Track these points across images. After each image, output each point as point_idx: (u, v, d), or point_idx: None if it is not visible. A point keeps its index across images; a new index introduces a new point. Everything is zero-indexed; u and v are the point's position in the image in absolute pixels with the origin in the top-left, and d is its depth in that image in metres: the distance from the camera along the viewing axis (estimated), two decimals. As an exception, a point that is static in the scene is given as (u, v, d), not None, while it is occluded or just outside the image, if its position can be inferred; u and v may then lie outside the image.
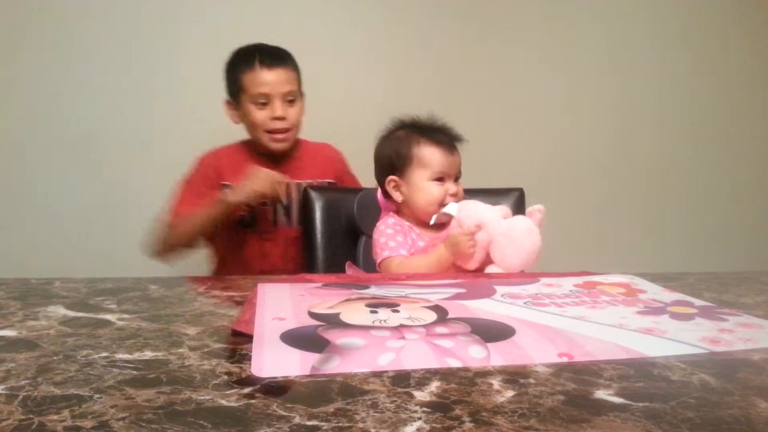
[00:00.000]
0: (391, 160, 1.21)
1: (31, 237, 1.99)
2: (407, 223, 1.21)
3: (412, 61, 2.21)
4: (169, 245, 1.42)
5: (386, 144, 1.24)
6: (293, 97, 1.42)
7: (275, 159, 1.48)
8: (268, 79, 1.39)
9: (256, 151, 1.48)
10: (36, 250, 1.97)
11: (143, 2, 2.02)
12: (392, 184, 1.21)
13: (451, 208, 1.11)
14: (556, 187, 2.29)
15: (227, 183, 1.44)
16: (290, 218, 1.48)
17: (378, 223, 1.23)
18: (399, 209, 1.24)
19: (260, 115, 1.39)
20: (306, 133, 2.16)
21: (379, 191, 1.36)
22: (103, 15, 2.00)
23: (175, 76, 2.06)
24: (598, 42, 2.31)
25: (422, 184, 1.18)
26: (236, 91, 1.42)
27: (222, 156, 1.50)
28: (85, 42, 1.99)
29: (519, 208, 1.52)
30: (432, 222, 1.15)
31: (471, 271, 1.08)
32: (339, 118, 2.13)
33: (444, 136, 1.20)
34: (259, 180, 1.32)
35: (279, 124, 1.41)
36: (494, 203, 1.48)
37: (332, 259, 1.41)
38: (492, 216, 1.08)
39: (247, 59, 1.40)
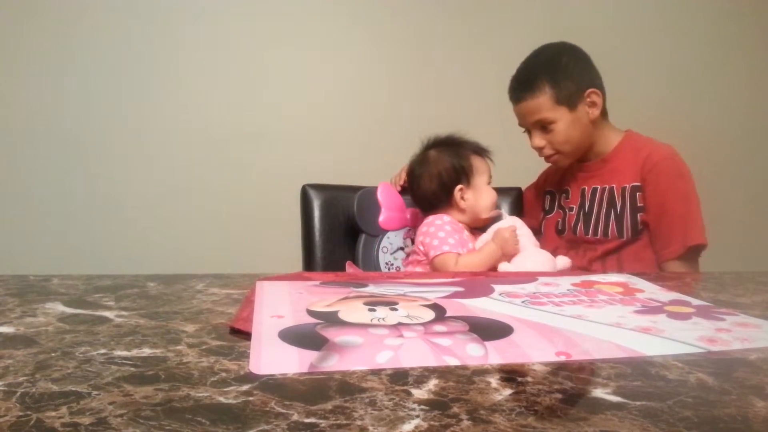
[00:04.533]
0: (455, 172, 1.33)
1: (30, 234, 1.99)
2: (461, 224, 1.32)
3: (412, 61, 2.21)
4: None
5: (439, 160, 1.34)
6: (547, 123, 1.34)
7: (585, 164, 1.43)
8: (518, 113, 1.39)
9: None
10: (34, 247, 1.97)
11: (144, 3, 2.02)
12: (460, 193, 1.32)
13: (509, 219, 1.30)
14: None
15: (551, 190, 1.49)
16: (588, 227, 1.38)
17: (431, 219, 1.32)
18: (447, 212, 1.34)
19: (530, 143, 1.40)
20: (307, 132, 2.16)
21: (380, 189, 1.37)
22: (103, 16, 2.00)
23: (174, 77, 2.06)
24: (597, 41, 2.31)
25: (484, 187, 1.34)
26: None
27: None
28: (84, 42, 1.99)
29: (518, 207, 1.53)
30: (488, 214, 1.34)
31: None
32: (339, 117, 2.14)
33: (480, 149, 1.38)
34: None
35: (541, 153, 1.39)
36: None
37: (331, 257, 1.41)
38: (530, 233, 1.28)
39: (509, 93, 1.41)
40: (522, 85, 1.36)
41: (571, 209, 1.41)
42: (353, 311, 0.68)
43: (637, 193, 1.33)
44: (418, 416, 0.41)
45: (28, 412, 0.40)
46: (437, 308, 0.70)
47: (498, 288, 0.82)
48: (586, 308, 0.72)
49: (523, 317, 0.67)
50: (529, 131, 1.38)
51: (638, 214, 1.32)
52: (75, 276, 0.89)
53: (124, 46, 2.02)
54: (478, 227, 1.34)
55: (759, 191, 2.47)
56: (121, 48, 2.01)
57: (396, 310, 0.68)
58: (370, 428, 0.39)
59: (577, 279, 0.90)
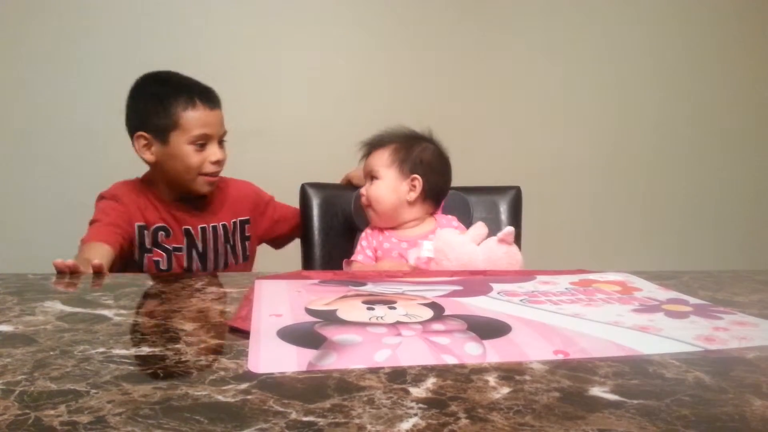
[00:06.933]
0: None
1: (29, 233, 1.99)
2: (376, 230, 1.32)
3: (411, 60, 2.21)
4: None
5: None
6: (224, 139, 1.32)
7: (191, 201, 1.33)
8: (211, 120, 1.26)
9: (170, 192, 1.32)
10: (34, 246, 1.97)
11: (144, 3, 2.02)
12: None
13: (428, 246, 1.11)
14: (553, 185, 2.29)
15: (141, 223, 1.30)
16: (206, 264, 1.35)
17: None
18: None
19: (198, 157, 1.25)
20: (306, 131, 2.16)
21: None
22: (104, 15, 1.99)
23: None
24: (597, 41, 2.31)
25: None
26: (166, 128, 1.25)
27: (128, 192, 1.34)
28: (84, 42, 1.99)
29: (516, 206, 1.53)
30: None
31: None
32: (338, 116, 2.13)
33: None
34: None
35: (216, 168, 1.29)
36: (492, 201, 1.48)
37: (329, 255, 1.41)
38: (469, 249, 1.06)
39: (186, 96, 1.25)
40: (214, 93, 1.31)
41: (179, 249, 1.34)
42: (352, 310, 0.68)
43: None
44: (416, 415, 0.41)
45: (27, 411, 0.40)
46: (435, 307, 0.70)
47: (496, 287, 0.82)
48: (584, 307, 0.72)
49: (522, 316, 0.67)
50: (203, 144, 1.26)
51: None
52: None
53: (124, 46, 2.01)
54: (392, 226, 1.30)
55: (757, 190, 2.48)
56: (120, 48, 2.01)
57: (394, 308, 0.68)
58: (368, 427, 0.39)
59: (575, 278, 0.90)
